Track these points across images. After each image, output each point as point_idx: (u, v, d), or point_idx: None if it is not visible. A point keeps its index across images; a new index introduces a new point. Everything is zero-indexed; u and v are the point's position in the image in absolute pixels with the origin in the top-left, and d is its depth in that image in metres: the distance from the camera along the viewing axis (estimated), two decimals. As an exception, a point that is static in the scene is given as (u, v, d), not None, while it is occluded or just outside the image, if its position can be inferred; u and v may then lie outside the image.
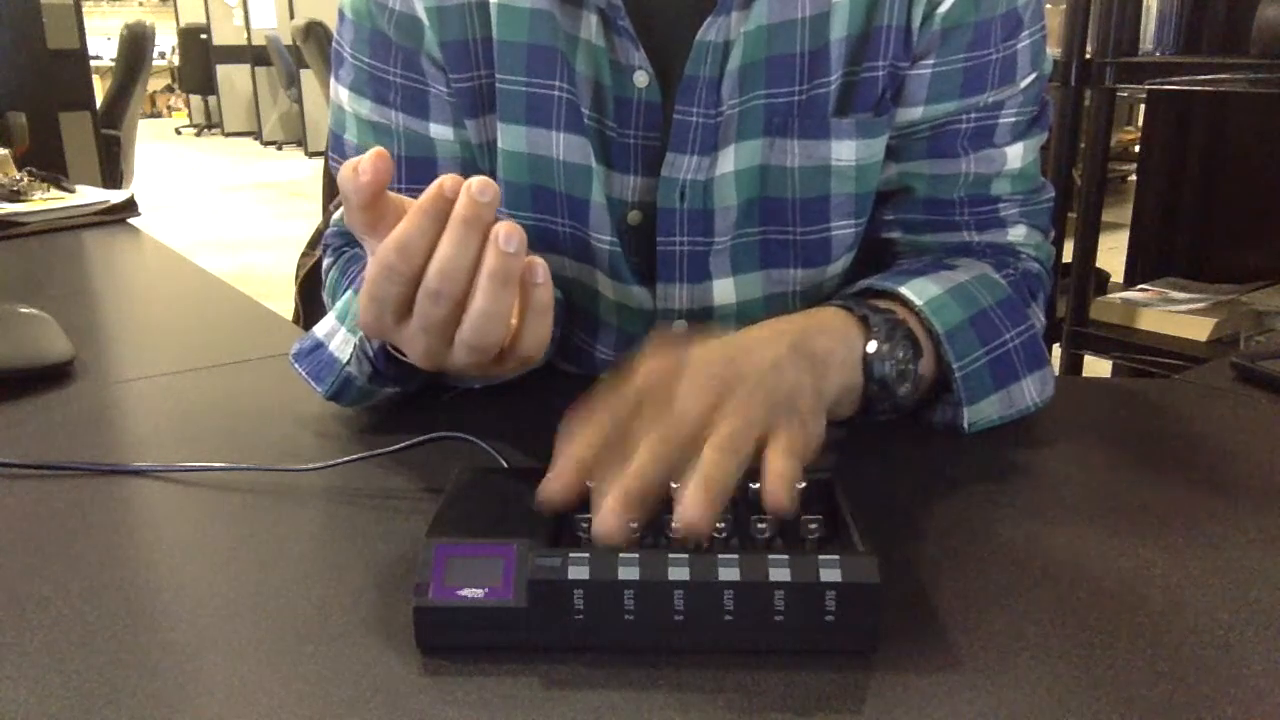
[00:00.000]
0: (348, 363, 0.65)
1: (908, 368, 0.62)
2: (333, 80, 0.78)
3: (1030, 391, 0.67)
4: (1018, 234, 0.76)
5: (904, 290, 0.65)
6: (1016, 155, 0.74)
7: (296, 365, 0.69)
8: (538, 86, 0.70)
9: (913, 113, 0.72)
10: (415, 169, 0.75)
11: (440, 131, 0.74)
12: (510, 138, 0.72)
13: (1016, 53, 0.72)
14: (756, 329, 0.58)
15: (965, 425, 0.65)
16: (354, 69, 0.74)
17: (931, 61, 0.71)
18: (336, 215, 0.81)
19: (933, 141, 0.73)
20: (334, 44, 0.77)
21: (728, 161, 0.71)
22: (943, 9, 0.69)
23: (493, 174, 0.74)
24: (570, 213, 0.73)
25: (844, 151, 0.72)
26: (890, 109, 0.72)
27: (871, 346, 0.61)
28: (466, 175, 0.75)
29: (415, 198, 0.75)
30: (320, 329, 0.69)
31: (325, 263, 0.81)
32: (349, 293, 0.68)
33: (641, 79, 0.70)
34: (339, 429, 0.69)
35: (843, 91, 0.71)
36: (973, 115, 0.72)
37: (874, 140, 0.72)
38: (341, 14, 0.74)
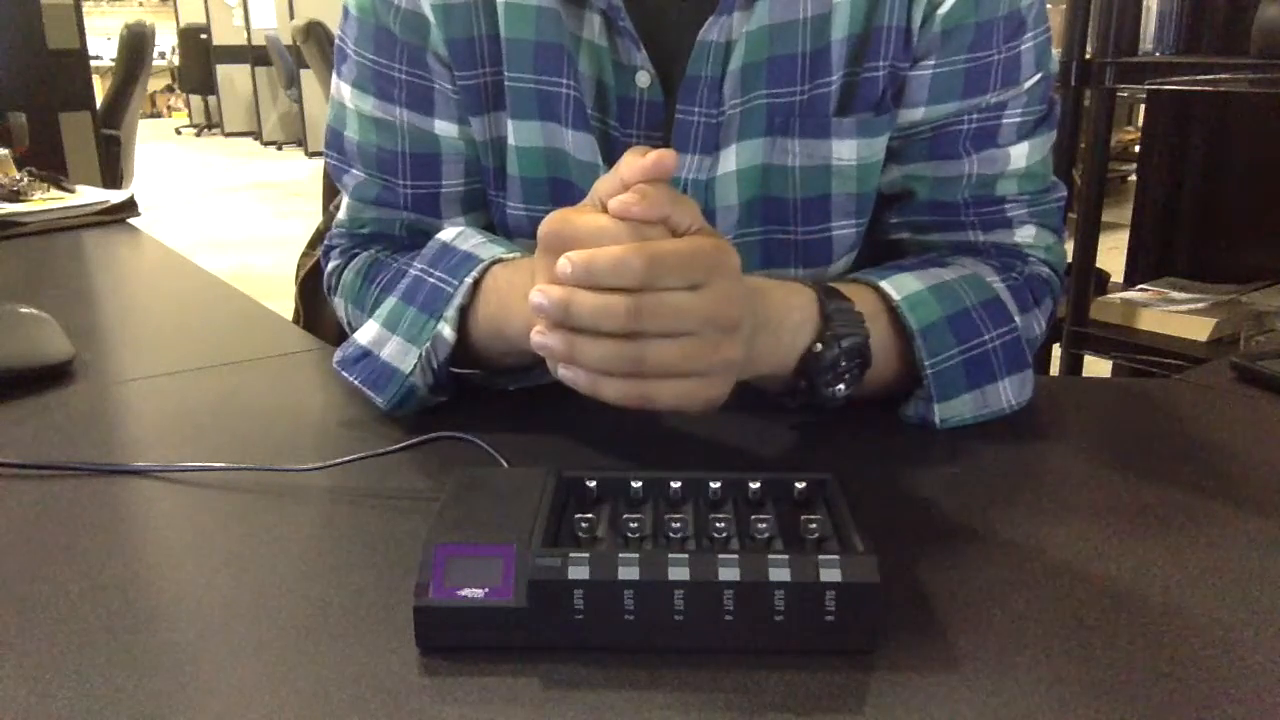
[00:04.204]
0: (411, 373, 0.65)
1: (846, 377, 0.63)
2: (334, 76, 0.77)
3: (1007, 393, 0.67)
4: (1025, 234, 0.76)
5: (884, 284, 0.66)
6: (1021, 155, 0.74)
7: (346, 374, 0.69)
8: (546, 84, 0.70)
9: (914, 114, 0.72)
10: (419, 165, 0.75)
11: (445, 128, 0.74)
12: (525, 133, 0.72)
13: (1020, 54, 0.72)
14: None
15: (937, 421, 0.65)
16: (357, 65, 0.74)
17: (932, 62, 0.71)
18: (341, 215, 0.81)
19: (934, 143, 0.73)
20: (337, 40, 0.77)
21: (729, 161, 0.71)
22: (943, 10, 0.69)
23: (500, 170, 0.74)
24: None
25: (845, 151, 0.72)
26: (891, 108, 0.72)
27: (817, 347, 0.61)
28: (470, 170, 0.75)
29: (418, 194, 0.75)
30: (363, 336, 0.69)
31: (331, 264, 0.81)
32: (393, 299, 0.68)
33: (643, 79, 0.70)
34: (339, 429, 0.69)
35: (844, 91, 0.71)
36: (974, 116, 0.72)
37: (875, 140, 0.72)
38: (346, 10, 0.74)
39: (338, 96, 0.77)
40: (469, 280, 0.64)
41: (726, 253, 0.53)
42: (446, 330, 0.64)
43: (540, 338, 0.53)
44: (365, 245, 0.79)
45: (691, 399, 0.53)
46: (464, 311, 0.64)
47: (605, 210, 0.53)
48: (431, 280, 0.66)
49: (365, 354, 0.68)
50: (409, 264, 0.70)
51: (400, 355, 0.66)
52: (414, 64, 0.72)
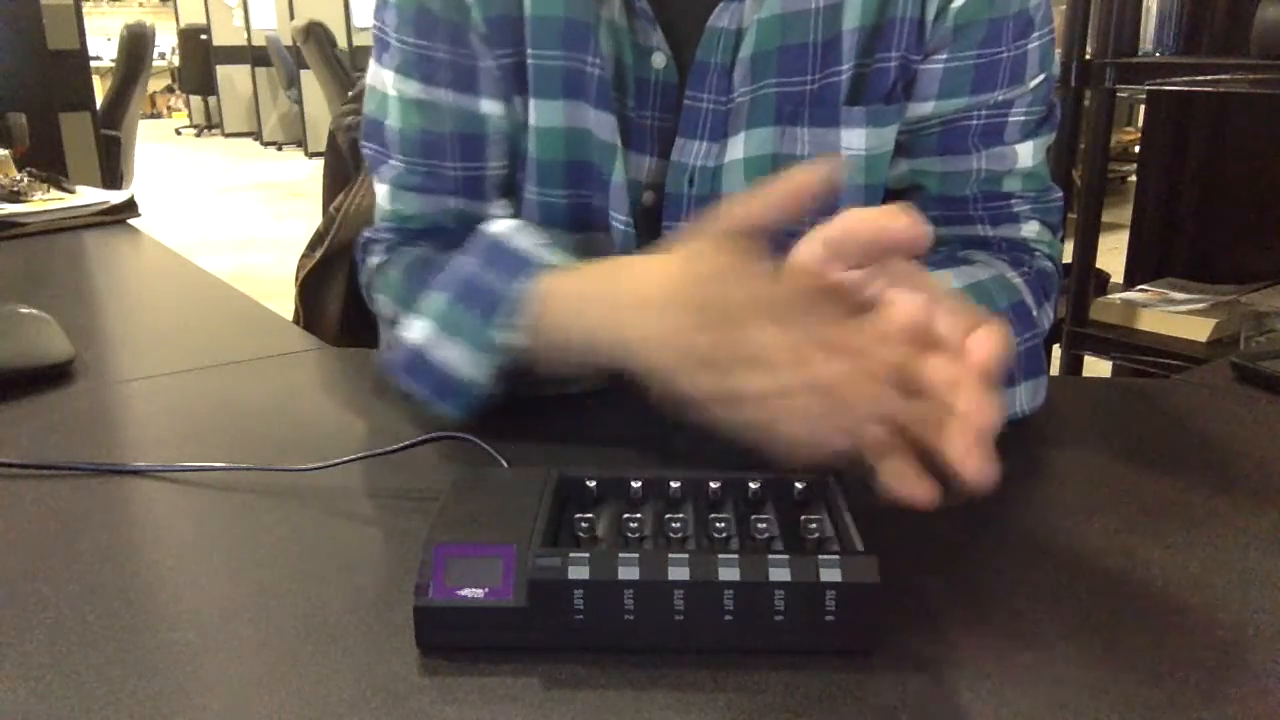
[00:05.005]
0: (484, 383, 0.63)
1: None
2: (373, 66, 0.76)
3: (1021, 398, 0.67)
4: (1031, 230, 0.76)
5: None
6: (1027, 154, 0.75)
7: (401, 380, 0.67)
8: (574, 60, 0.70)
9: (924, 108, 0.73)
10: (466, 145, 0.74)
11: (491, 107, 0.73)
12: (546, 113, 0.72)
13: (1027, 53, 0.72)
14: None
15: None
16: (400, 51, 0.73)
17: (944, 57, 0.71)
18: (385, 207, 0.78)
19: (943, 137, 0.74)
20: (374, 29, 0.75)
21: (737, 149, 0.71)
22: (956, 4, 0.70)
23: (523, 153, 0.74)
24: (601, 188, 0.73)
25: (854, 140, 0.72)
26: (901, 99, 0.72)
27: None
28: (512, 154, 0.75)
29: (466, 176, 0.74)
30: (413, 334, 0.66)
31: (374, 260, 0.76)
32: (444, 295, 0.65)
33: (659, 60, 0.70)
34: (339, 429, 0.69)
35: (855, 81, 0.71)
36: (983, 113, 0.73)
37: (884, 129, 0.73)
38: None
39: (378, 85, 0.76)
40: (536, 287, 0.62)
41: None
42: (519, 339, 0.62)
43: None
44: (413, 242, 0.76)
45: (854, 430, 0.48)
46: (532, 317, 0.62)
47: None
48: (490, 282, 0.64)
49: (420, 357, 0.66)
50: (457, 258, 0.67)
51: (467, 362, 0.64)
52: (457, 43, 0.72)
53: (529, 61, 0.71)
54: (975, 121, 0.73)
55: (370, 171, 0.79)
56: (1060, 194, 0.79)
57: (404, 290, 0.72)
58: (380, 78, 0.76)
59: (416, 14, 0.72)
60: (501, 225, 0.68)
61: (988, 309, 0.66)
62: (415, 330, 0.66)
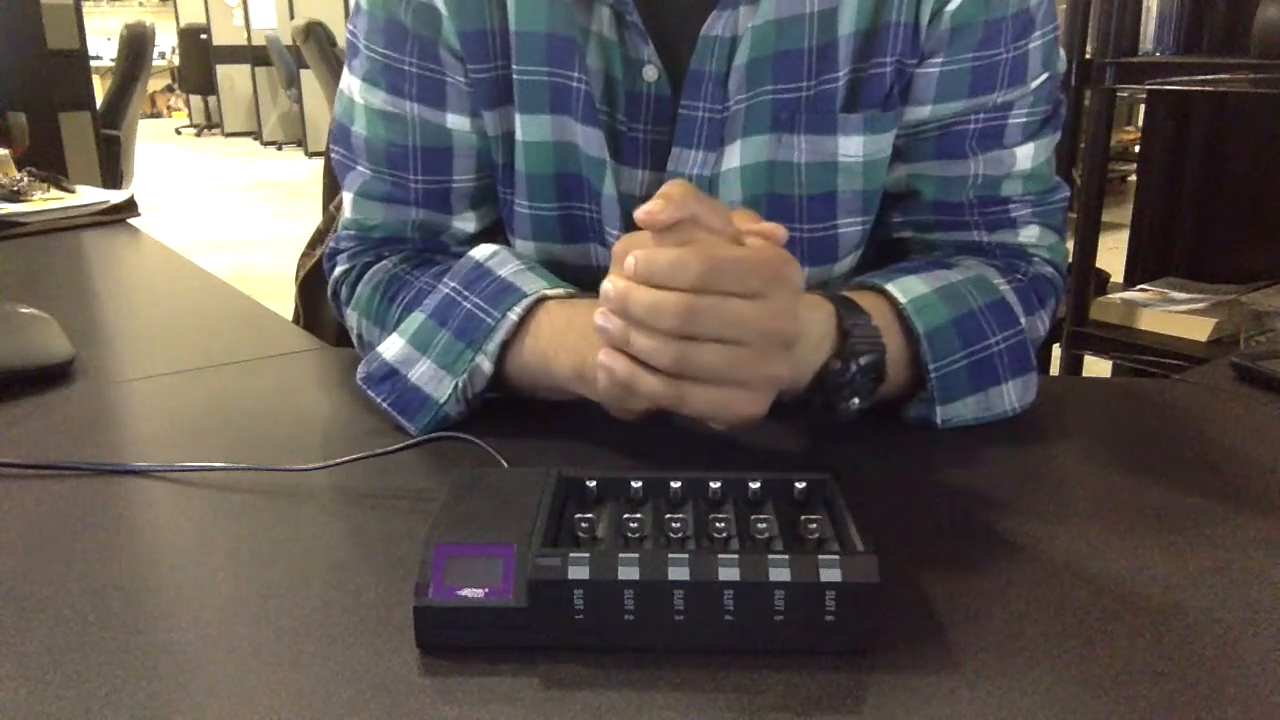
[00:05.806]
0: (445, 402, 0.65)
1: (861, 391, 0.62)
2: (345, 71, 0.77)
3: (1010, 396, 0.67)
4: (1030, 235, 0.76)
5: (890, 287, 0.66)
6: (1027, 155, 0.74)
7: (371, 392, 0.68)
8: (558, 76, 0.70)
9: (920, 111, 0.72)
10: (430, 160, 0.74)
11: (457, 121, 0.74)
12: (533, 128, 0.72)
13: (1028, 53, 0.72)
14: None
15: (939, 422, 0.65)
16: (368, 60, 0.74)
17: (940, 60, 0.71)
18: (347, 214, 0.79)
19: (940, 142, 0.73)
20: (348, 34, 0.76)
21: (734, 157, 0.71)
22: (951, 7, 0.69)
23: (509, 166, 0.74)
24: (593, 201, 0.73)
25: (851, 147, 0.72)
26: (897, 104, 0.72)
27: (835, 364, 0.61)
28: (482, 165, 0.75)
29: (429, 189, 0.75)
30: (388, 351, 0.68)
31: (340, 269, 0.78)
32: (420, 315, 0.67)
33: (651, 73, 0.70)
34: (339, 429, 0.69)
35: (850, 87, 0.71)
36: (981, 116, 0.72)
37: (881, 135, 0.72)
38: (358, 5, 0.74)
39: (347, 91, 0.76)
40: (513, 317, 0.64)
41: (789, 265, 0.54)
42: (486, 364, 0.64)
43: (600, 319, 0.54)
44: (377, 251, 0.77)
45: (725, 409, 0.54)
46: (504, 345, 0.64)
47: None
48: (467, 305, 0.66)
49: (392, 372, 0.67)
50: (436, 279, 0.69)
51: (433, 381, 0.65)
52: (425, 57, 0.72)
53: (514, 77, 0.71)
54: (973, 125, 0.73)
55: (338, 177, 0.79)
56: (1066, 193, 0.78)
57: (375, 309, 0.74)
58: (349, 84, 0.76)
59: (386, 25, 0.72)
60: (484, 250, 0.70)
61: (959, 310, 0.66)
62: (389, 347, 0.68)
